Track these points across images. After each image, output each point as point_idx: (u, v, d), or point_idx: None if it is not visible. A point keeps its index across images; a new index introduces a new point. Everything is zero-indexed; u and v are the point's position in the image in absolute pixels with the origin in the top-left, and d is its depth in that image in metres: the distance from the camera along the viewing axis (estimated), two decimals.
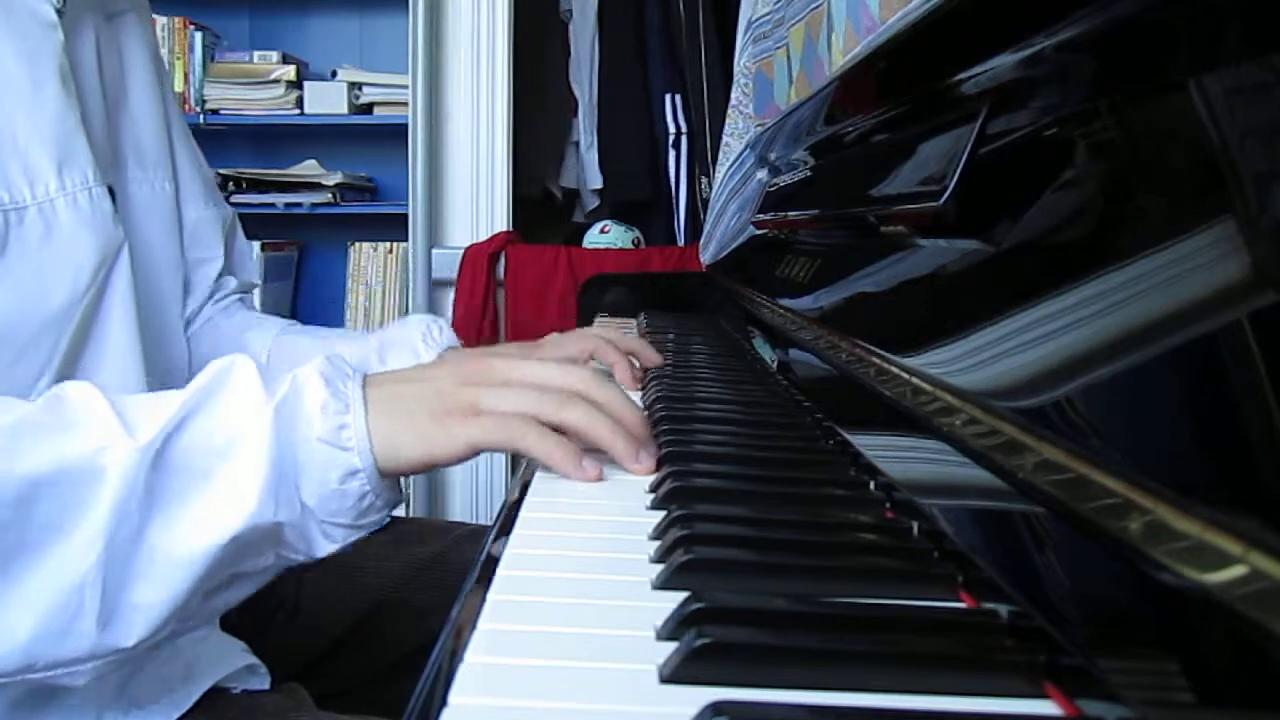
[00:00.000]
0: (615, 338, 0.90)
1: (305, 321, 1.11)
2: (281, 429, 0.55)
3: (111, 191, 0.79)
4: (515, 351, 0.89)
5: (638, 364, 0.91)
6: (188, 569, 0.53)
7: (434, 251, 2.30)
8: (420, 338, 0.94)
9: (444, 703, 0.31)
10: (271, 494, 0.54)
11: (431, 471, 0.59)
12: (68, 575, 0.51)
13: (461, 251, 2.28)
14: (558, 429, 0.58)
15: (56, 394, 0.55)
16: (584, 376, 0.61)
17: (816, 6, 1.12)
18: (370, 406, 0.57)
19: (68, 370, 0.72)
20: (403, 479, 0.80)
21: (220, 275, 1.01)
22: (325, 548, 0.58)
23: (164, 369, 0.86)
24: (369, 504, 0.57)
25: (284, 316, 1.10)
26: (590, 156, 2.54)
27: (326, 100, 2.53)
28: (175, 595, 0.53)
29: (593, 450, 0.59)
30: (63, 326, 0.72)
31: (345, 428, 0.56)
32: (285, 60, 2.58)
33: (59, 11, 0.76)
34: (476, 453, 0.58)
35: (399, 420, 0.58)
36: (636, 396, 0.83)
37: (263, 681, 0.79)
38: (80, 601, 0.52)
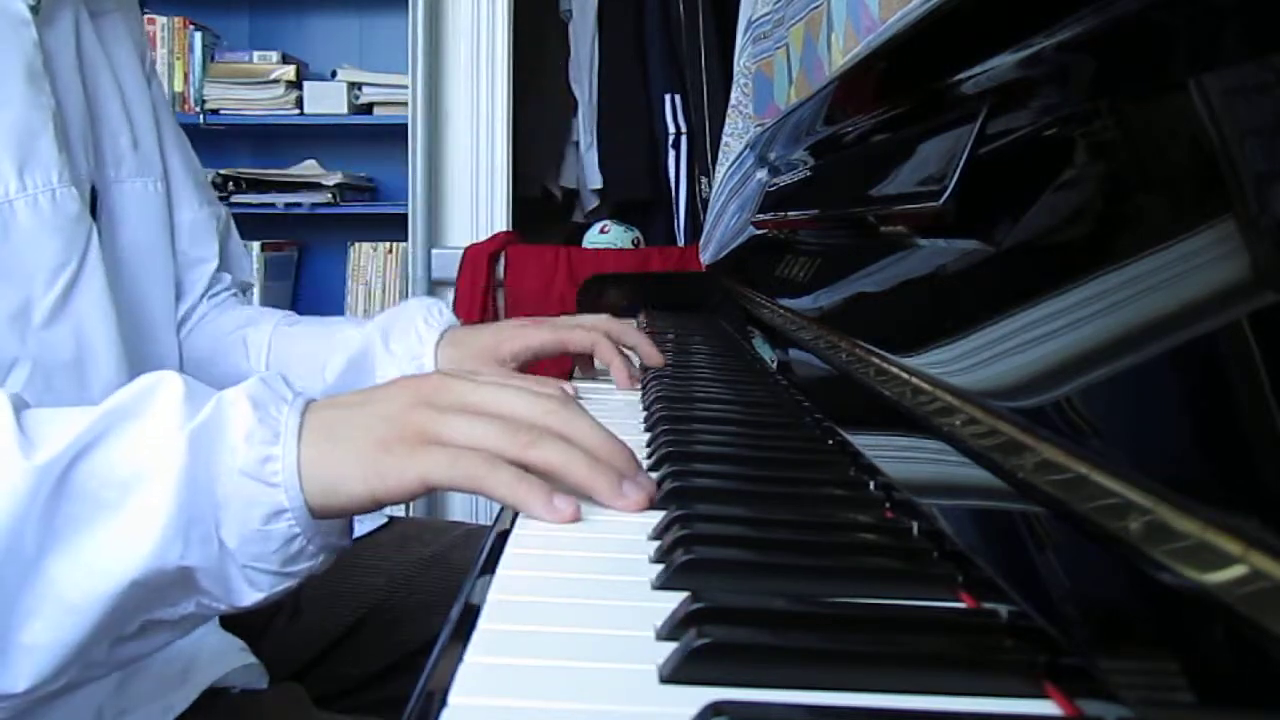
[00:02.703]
0: (618, 331, 0.91)
1: None
2: (197, 459, 0.49)
3: (95, 191, 0.78)
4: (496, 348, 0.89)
5: (636, 361, 0.91)
6: (84, 613, 0.48)
7: (434, 251, 2.30)
8: (422, 320, 0.94)
9: (444, 703, 0.31)
10: (179, 534, 0.48)
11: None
12: None
13: (461, 251, 2.28)
14: (525, 468, 0.51)
15: None
16: (554, 407, 0.53)
17: (816, 6, 1.12)
18: (305, 435, 0.51)
19: None
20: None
21: (215, 274, 1.01)
22: (249, 596, 0.51)
23: (154, 367, 0.85)
24: (298, 549, 0.51)
25: None
26: (590, 156, 2.54)
27: (326, 100, 2.53)
28: (70, 640, 0.48)
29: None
30: (25, 325, 0.72)
31: (271, 460, 0.50)
32: (285, 60, 2.58)
33: (33, 9, 0.75)
34: (430, 490, 0.51)
35: (339, 451, 0.51)
36: (636, 397, 0.83)
37: (261, 681, 0.79)
38: None
